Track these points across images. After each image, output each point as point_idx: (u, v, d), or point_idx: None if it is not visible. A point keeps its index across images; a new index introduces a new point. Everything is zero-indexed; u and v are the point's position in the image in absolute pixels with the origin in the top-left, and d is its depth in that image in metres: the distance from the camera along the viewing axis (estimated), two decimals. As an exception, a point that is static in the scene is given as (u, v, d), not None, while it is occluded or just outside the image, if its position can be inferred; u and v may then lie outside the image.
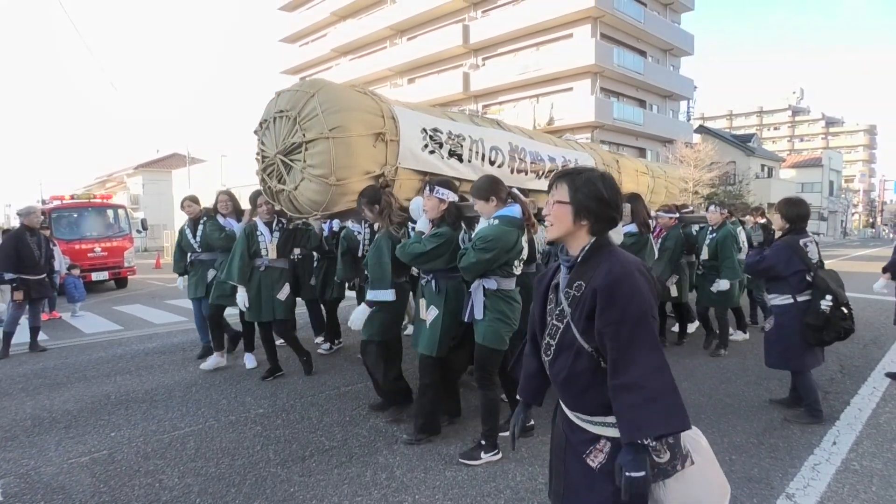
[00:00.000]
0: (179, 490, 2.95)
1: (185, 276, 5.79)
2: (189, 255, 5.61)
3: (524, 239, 3.21)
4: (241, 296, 4.71)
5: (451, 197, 3.39)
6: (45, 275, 6.54)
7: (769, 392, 4.42)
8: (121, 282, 12.93)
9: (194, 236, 5.48)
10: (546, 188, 5.97)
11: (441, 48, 28.09)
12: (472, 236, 3.30)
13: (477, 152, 4.56)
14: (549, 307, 1.71)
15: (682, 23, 30.58)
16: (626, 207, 4.70)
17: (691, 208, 6.16)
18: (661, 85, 28.36)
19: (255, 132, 4.10)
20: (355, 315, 3.64)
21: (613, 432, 1.52)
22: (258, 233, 4.77)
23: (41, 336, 6.64)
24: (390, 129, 3.93)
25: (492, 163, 4.69)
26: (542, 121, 24.11)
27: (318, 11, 33.82)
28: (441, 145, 4.26)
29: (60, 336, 7.22)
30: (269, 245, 4.77)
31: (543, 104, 24.98)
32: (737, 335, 6.32)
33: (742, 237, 5.93)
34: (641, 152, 27.71)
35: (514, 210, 3.19)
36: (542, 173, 5.36)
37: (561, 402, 1.73)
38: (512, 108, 25.78)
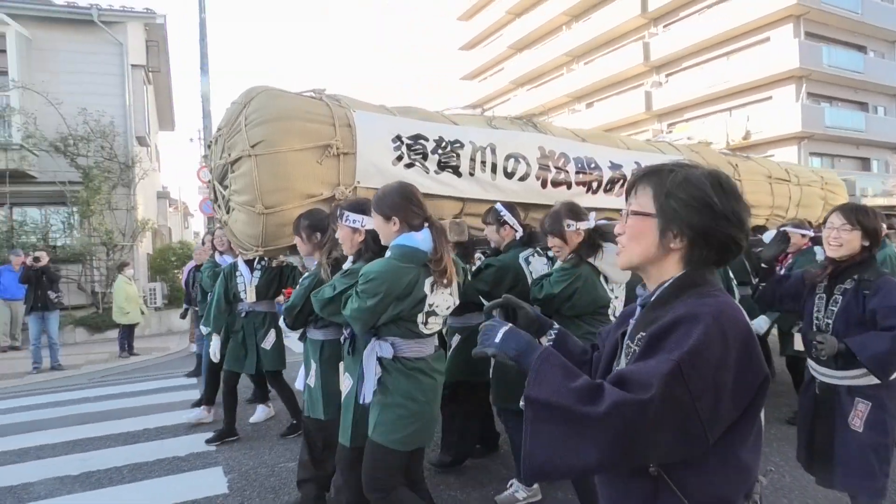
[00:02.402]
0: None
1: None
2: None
3: (429, 281, 2.26)
4: (214, 344, 4.32)
5: (369, 224, 2.50)
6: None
7: None
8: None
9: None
10: (602, 204, 4.28)
11: (620, 69, 27.52)
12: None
13: (483, 162, 3.57)
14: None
15: (915, 5, 25.59)
16: None
17: None
18: (888, 82, 23.87)
19: (204, 156, 3.60)
20: None
21: None
22: (238, 273, 4.26)
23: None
24: (344, 140, 3.12)
25: (509, 175, 3.69)
26: (737, 136, 22.06)
27: (495, 47, 35.69)
28: (425, 156, 3.37)
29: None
30: (248, 287, 4.20)
31: (737, 117, 22.87)
32: None
33: None
34: (865, 163, 23.63)
35: (415, 239, 2.25)
36: (599, 185, 4.15)
37: None
38: (700, 125, 24.05)
